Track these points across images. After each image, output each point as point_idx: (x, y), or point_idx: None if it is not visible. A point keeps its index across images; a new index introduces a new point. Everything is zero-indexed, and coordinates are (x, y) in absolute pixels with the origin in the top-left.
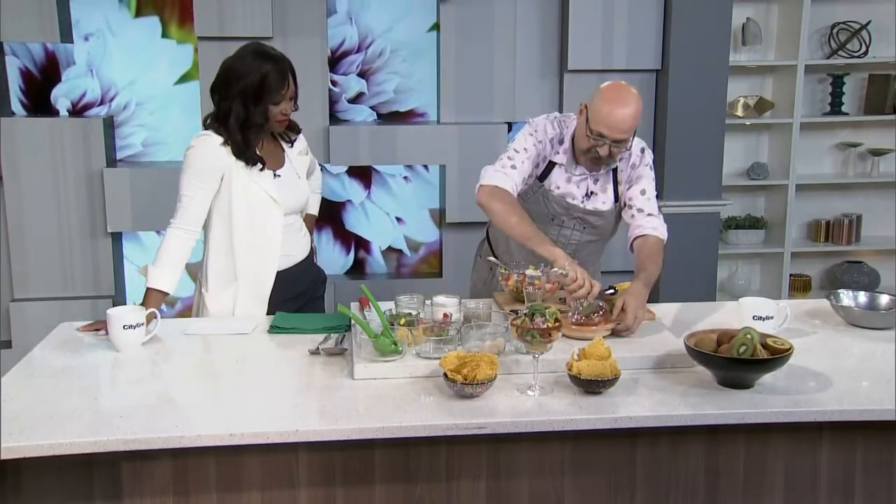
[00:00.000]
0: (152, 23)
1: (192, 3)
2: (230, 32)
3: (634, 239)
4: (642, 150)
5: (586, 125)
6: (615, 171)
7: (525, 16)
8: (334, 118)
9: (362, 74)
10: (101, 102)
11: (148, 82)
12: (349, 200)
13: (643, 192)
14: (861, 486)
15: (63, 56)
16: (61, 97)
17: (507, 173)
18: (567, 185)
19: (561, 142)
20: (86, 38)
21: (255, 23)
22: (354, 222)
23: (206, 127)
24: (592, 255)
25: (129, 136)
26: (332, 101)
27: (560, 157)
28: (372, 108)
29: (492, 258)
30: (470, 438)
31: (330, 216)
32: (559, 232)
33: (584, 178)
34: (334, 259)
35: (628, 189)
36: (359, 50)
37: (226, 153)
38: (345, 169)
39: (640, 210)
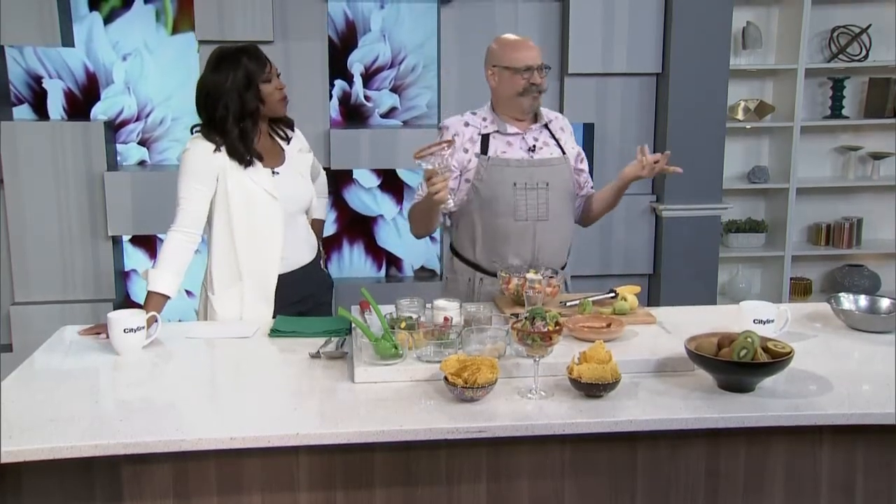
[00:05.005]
0: (188, 39)
1: (193, 6)
2: (231, 36)
3: (587, 197)
4: (563, 116)
5: (511, 75)
6: (550, 130)
7: (526, 19)
8: None
9: (395, 89)
10: (138, 118)
11: (183, 97)
12: (381, 215)
13: (580, 157)
14: (862, 489)
15: (103, 76)
16: (99, 115)
17: (417, 195)
18: (509, 147)
19: (484, 118)
20: (123, 59)
21: (255, 26)
22: (386, 238)
23: (193, 133)
24: (564, 217)
25: (165, 151)
26: (366, 115)
27: (489, 127)
28: (404, 122)
29: (494, 261)
30: (470, 442)
31: (361, 230)
32: (526, 195)
33: (520, 136)
34: (365, 274)
35: (574, 151)
36: (391, 66)
37: (220, 154)
38: (377, 183)
39: (584, 176)
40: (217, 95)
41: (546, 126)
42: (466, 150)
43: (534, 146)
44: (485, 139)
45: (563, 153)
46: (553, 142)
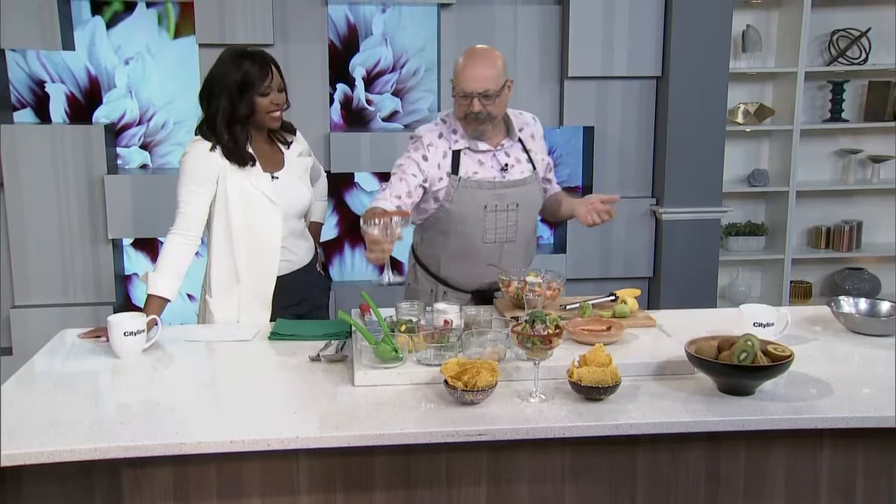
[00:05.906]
0: (190, 42)
1: (193, 10)
2: (231, 39)
3: (548, 197)
4: (534, 119)
5: (456, 97)
6: (522, 141)
7: (525, 22)
8: None
9: (397, 93)
10: (140, 122)
11: (185, 101)
12: None
13: (549, 167)
14: (862, 492)
15: (105, 80)
16: (102, 118)
17: (381, 196)
18: (480, 167)
19: (455, 131)
20: (126, 62)
21: (255, 29)
22: None
23: (196, 133)
24: (530, 235)
25: (167, 155)
26: (368, 119)
27: (461, 143)
28: (406, 126)
29: (492, 265)
30: (470, 445)
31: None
32: (496, 217)
33: (492, 153)
34: (366, 277)
35: (543, 163)
36: (393, 69)
37: (218, 156)
38: (379, 186)
39: (551, 184)
40: (215, 92)
41: (519, 139)
42: (439, 167)
43: (506, 165)
44: (455, 156)
45: (534, 168)
46: (525, 156)
